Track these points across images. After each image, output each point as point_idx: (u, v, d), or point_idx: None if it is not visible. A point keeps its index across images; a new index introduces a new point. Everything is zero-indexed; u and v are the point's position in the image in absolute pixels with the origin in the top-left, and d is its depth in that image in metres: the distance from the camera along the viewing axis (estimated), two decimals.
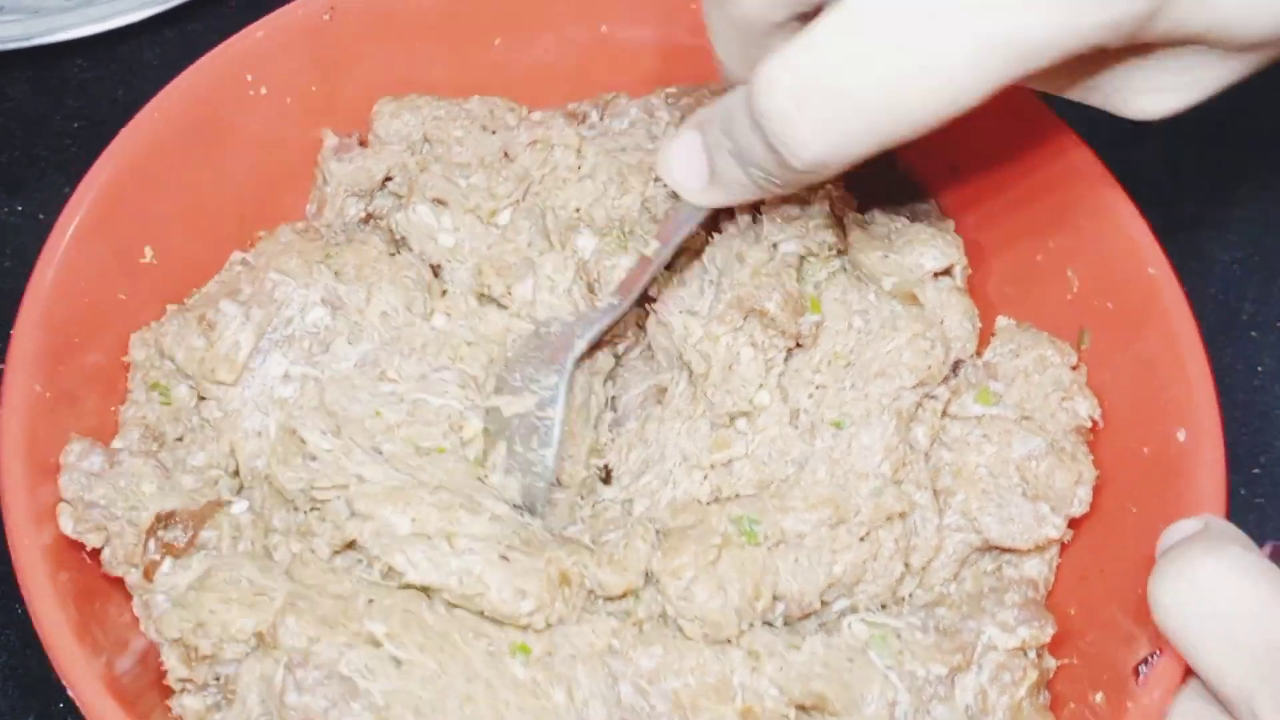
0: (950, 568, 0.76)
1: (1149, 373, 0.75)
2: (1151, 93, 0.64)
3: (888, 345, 0.77)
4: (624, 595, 0.72)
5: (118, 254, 0.78)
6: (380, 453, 0.74)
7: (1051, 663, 0.73)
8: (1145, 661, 0.66)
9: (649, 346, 0.84)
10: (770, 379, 0.77)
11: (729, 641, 0.70)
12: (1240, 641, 0.58)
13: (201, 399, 0.78)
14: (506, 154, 0.86)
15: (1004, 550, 0.77)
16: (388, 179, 0.88)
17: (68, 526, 0.70)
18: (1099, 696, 0.68)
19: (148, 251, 0.80)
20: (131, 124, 0.78)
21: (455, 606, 0.69)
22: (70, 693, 0.62)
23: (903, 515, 0.74)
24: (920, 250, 0.81)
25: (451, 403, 0.77)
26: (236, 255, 0.84)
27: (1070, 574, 0.77)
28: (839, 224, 0.83)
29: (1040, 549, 0.76)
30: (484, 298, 0.82)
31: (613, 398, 0.83)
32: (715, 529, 0.71)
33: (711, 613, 0.69)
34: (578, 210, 0.85)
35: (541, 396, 0.78)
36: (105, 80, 1.09)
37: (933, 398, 0.78)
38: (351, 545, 0.71)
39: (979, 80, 0.55)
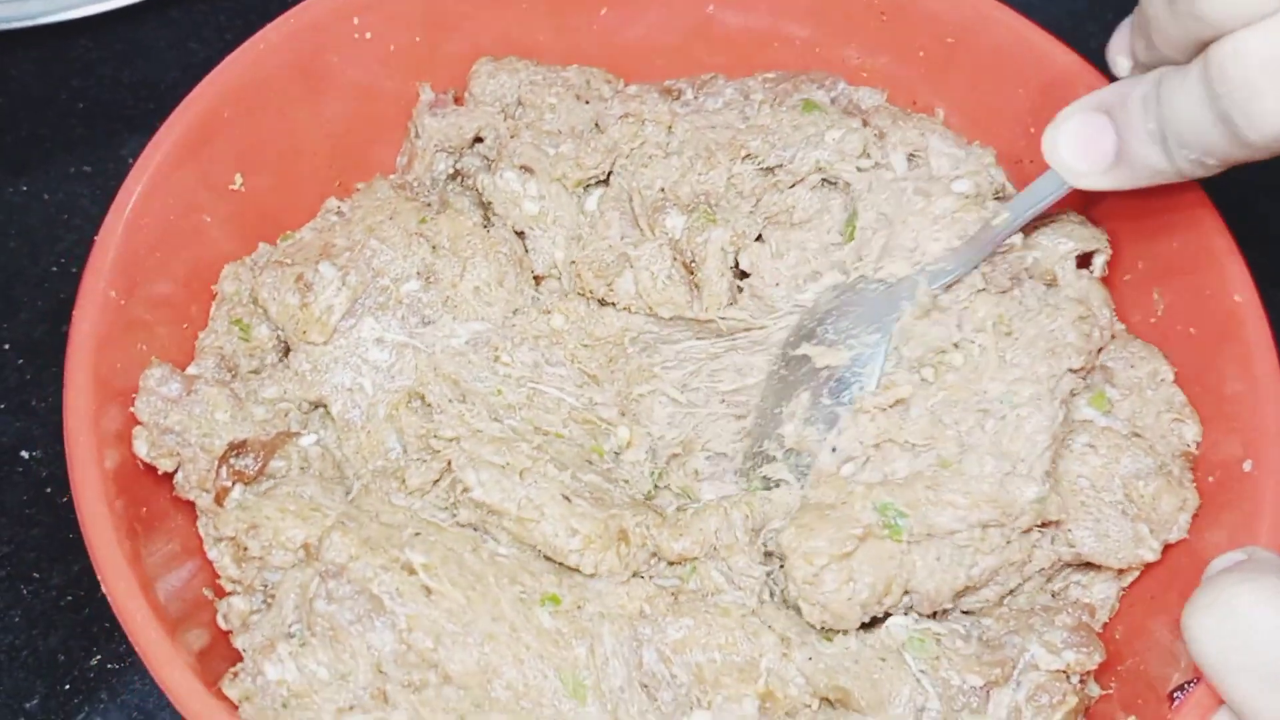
0: (1035, 581, 0.74)
1: (1223, 402, 0.73)
2: None
3: (1050, 324, 0.75)
4: (680, 561, 0.72)
5: (208, 176, 0.80)
6: (502, 423, 0.76)
7: (1095, 690, 0.71)
8: (1181, 689, 0.64)
9: None
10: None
11: (762, 623, 0.69)
12: (1273, 674, 0.56)
13: (288, 350, 0.80)
14: (598, 125, 0.86)
15: (1091, 567, 0.74)
16: (478, 139, 0.88)
17: (142, 450, 0.72)
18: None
19: (238, 179, 0.82)
20: (236, 52, 0.80)
21: (510, 540, 0.71)
22: (114, 610, 0.63)
23: (1048, 526, 0.72)
24: (1069, 229, 0.80)
25: (568, 399, 0.78)
26: (332, 203, 0.85)
27: (1125, 597, 0.75)
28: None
29: (1120, 572, 0.74)
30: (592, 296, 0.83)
31: None
32: (858, 517, 0.70)
33: (838, 604, 0.68)
34: (663, 190, 0.84)
35: (859, 353, 0.77)
36: (110, 60, 1.08)
37: (1074, 393, 0.76)
38: (440, 478, 0.73)
39: None
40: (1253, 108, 0.58)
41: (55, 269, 0.96)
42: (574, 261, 0.83)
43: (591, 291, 0.82)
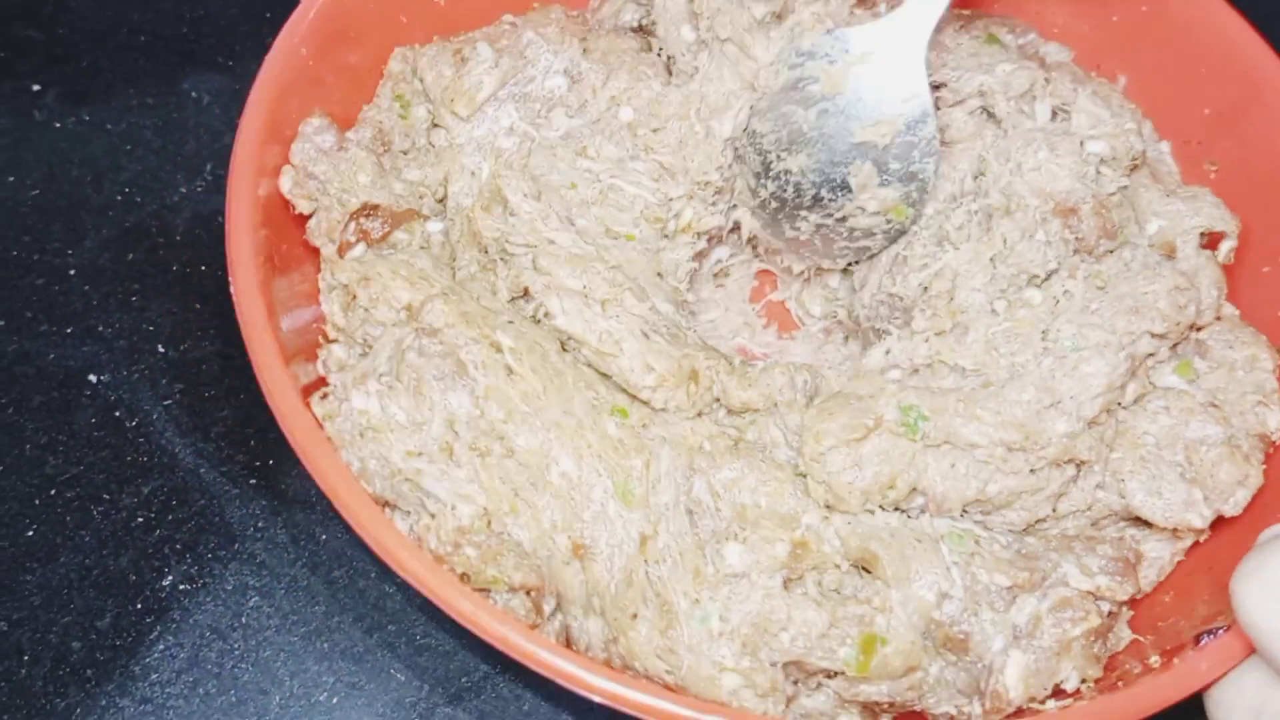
0: (1077, 520, 0.74)
1: None
2: None
3: (1146, 286, 0.75)
4: (743, 411, 0.75)
5: None
6: (573, 224, 0.79)
7: (1126, 633, 0.71)
8: (1210, 633, 0.63)
9: None
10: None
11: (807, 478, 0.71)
12: None
13: (435, 126, 0.84)
14: (779, 15, 0.85)
15: (1140, 523, 0.74)
16: None
17: (286, 185, 0.78)
18: (1154, 659, 0.67)
19: None
20: None
21: (587, 365, 0.74)
22: (243, 330, 0.69)
23: (1082, 465, 0.72)
24: (1200, 206, 0.80)
25: (645, 194, 0.81)
26: (507, 17, 0.89)
27: (1183, 565, 0.75)
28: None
29: (1175, 534, 0.74)
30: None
31: None
32: (877, 410, 0.72)
33: (839, 484, 0.70)
34: None
35: (899, 110, 0.79)
36: None
37: (1158, 359, 0.76)
38: (525, 294, 0.76)
39: None
40: None
41: (119, 198, 0.97)
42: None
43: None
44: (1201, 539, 0.75)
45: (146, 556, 0.82)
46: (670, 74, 0.86)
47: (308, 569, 0.83)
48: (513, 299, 0.77)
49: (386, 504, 0.70)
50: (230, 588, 0.82)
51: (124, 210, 0.96)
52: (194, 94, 1.03)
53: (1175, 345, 0.77)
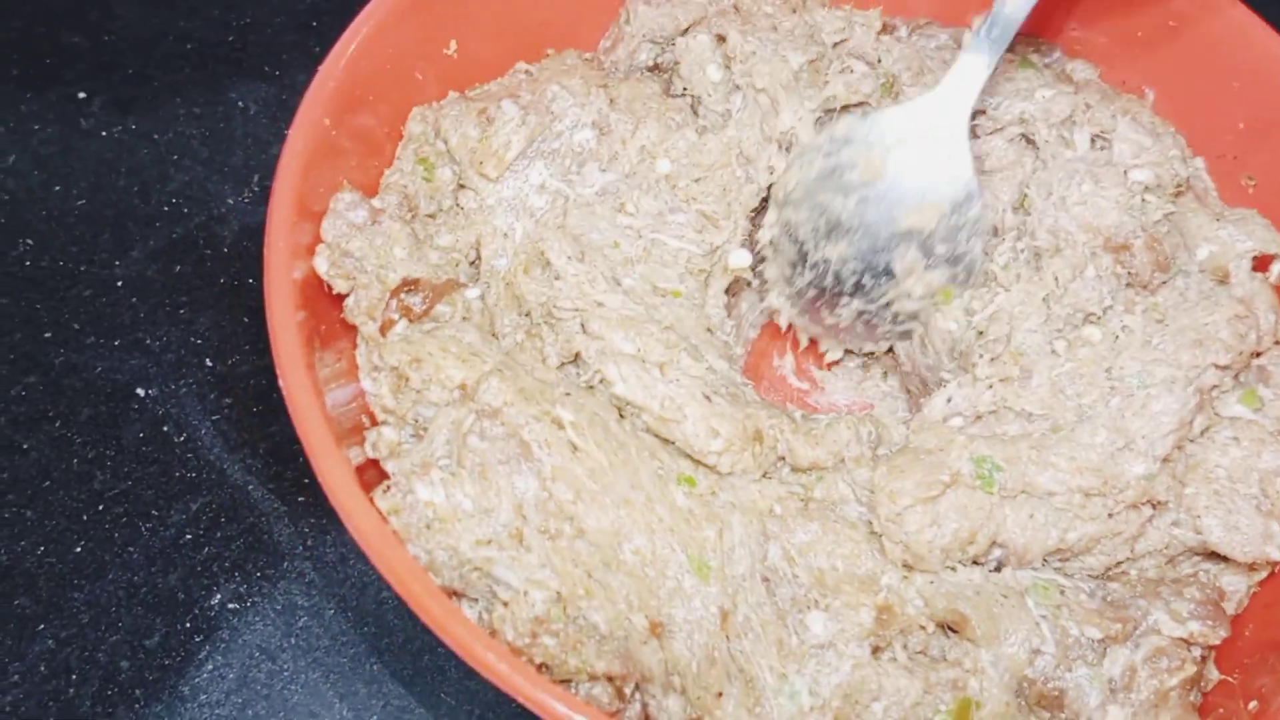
0: (1155, 560, 0.73)
1: None
2: None
3: (1206, 317, 0.74)
4: (810, 469, 0.73)
5: (426, 37, 0.82)
6: (619, 284, 0.77)
7: (1215, 674, 0.70)
8: None
9: None
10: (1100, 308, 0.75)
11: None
12: None
13: (461, 186, 0.81)
14: (812, 37, 0.86)
15: (1220, 558, 0.73)
16: (686, 31, 0.88)
17: (323, 267, 0.74)
18: (1253, 704, 0.64)
19: (452, 44, 0.84)
20: None
21: (646, 431, 0.71)
22: (290, 412, 0.66)
23: (1159, 505, 0.71)
24: (1251, 229, 0.79)
25: (689, 246, 0.79)
26: (521, 65, 0.87)
27: (1259, 597, 0.73)
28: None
29: (1251, 567, 0.73)
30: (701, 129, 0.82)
31: None
32: (950, 464, 0.70)
33: (918, 544, 0.69)
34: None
35: (943, 193, 0.77)
36: (216, 2, 1.07)
37: (1222, 390, 0.75)
38: (575, 359, 0.74)
39: None
40: None
41: (166, 208, 0.96)
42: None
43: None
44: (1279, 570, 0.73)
45: (195, 574, 0.81)
46: (696, 114, 0.84)
47: (357, 589, 0.81)
48: (562, 364, 0.74)
49: (454, 593, 0.68)
50: (279, 607, 0.80)
51: (171, 221, 0.95)
52: (240, 103, 1.01)
53: (1237, 374, 0.76)
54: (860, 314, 0.80)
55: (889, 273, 0.78)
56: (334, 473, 0.63)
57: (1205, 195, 0.84)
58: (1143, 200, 0.79)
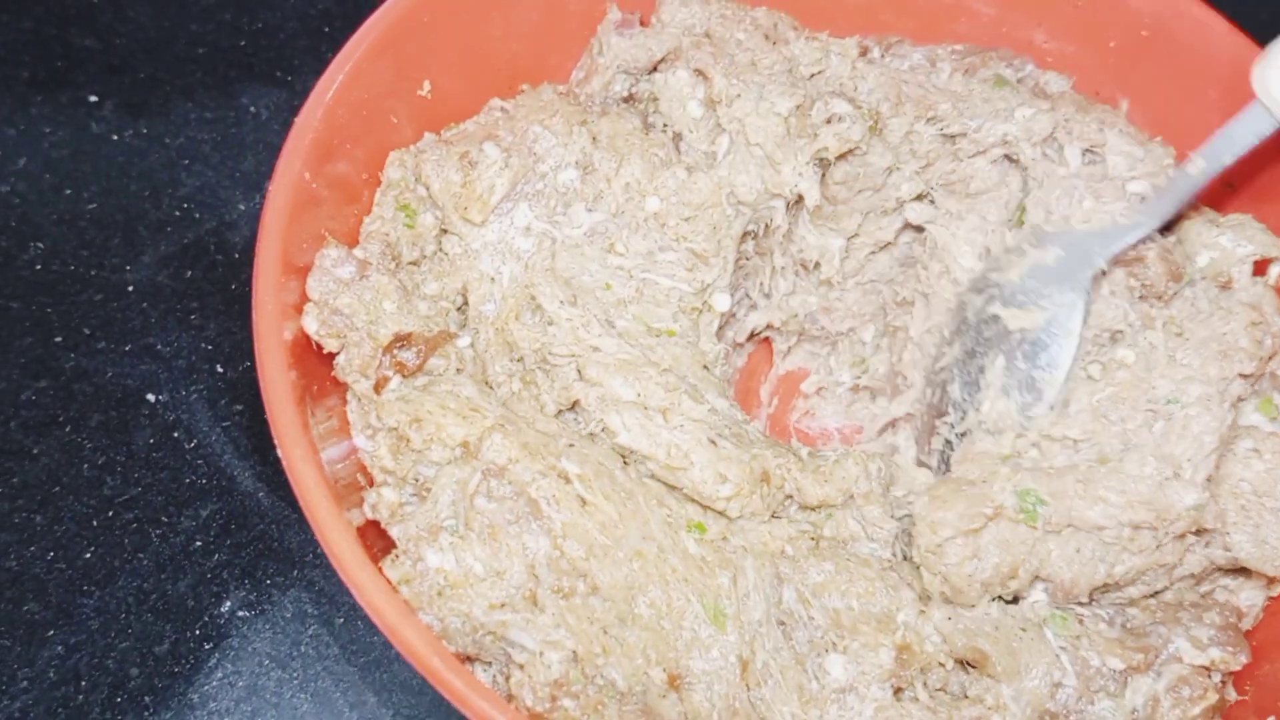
0: (1185, 583, 0.73)
1: None
2: None
3: (1223, 327, 0.74)
4: (819, 507, 0.72)
5: (400, 79, 0.80)
6: (614, 326, 0.75)
7: (1232, 694, 0.70)
8: None
9: None
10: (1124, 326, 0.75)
11: (901, 578, 0.69)
12: None
13: (445, 232, 0.79)
14: (791, 72, 0.85)
15: (1242, 572, 0.73)
16: (659, 64, 0.87)
17: (311, 327, 0.72)
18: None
19: (426, 85, 0.82)
20: None
21: (652, 477, 0.70)
22: (288, 474, 0.64)
23: (1204, 533, 0.70)
24: (1250, 233, 0.79)
25: (680, 285, 0.78)
26: (496, 102, 0.85)
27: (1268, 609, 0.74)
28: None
29: (1270, 581, 0.73)
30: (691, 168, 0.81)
31: None
32: (993, 497, 0.69)
33: (958, 577, 0.68)
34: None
35: (1053, 314, 0.76)
36: (229, 6, 1.07)
37: (1241, 398, 0.74)
38: (574, 406, 0.73)
39: None
40: None
41: (178, 213, 0.95)
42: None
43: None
44: None
45: (205, 581, 0.81)
46: (678, 150, 0.82)
47: None
48: (560, 412, 0.73)
49: (468, 658, 0.66)
50: (289, 615, 0.80)
51: (182, 226, 0.95)
52: (252, 108, 1.01)
53: (1254, 381, 0.75)
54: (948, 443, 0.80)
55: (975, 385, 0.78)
56: (341, 544, 0.61)
57: (1195, 202, 0.84)
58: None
